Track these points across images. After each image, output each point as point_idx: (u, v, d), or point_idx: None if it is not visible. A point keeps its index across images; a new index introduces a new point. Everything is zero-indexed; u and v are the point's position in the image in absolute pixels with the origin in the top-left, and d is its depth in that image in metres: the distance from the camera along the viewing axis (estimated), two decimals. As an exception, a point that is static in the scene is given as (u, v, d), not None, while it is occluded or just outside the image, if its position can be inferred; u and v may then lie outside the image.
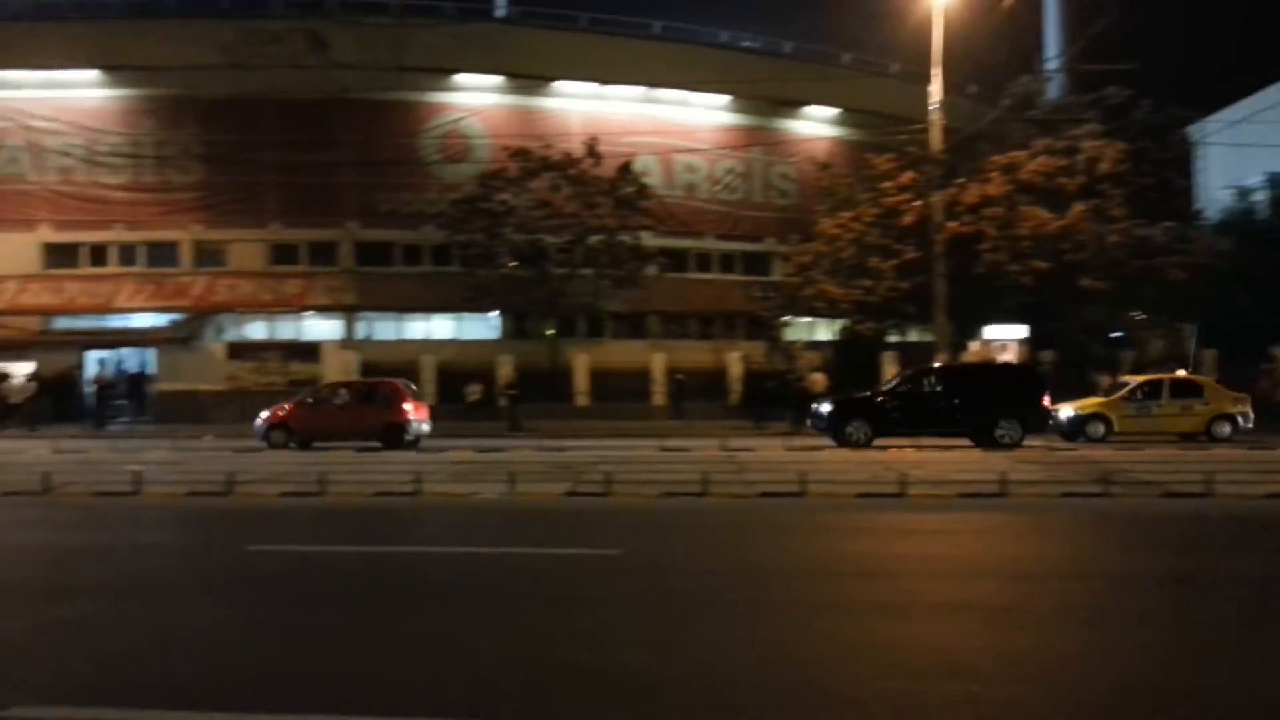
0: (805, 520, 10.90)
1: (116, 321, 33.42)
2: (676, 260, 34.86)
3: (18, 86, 32.65)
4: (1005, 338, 34.54)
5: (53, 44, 32.28)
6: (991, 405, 20.63)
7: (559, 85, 34.00)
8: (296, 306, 33.39)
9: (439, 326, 34.52)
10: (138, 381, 32.24)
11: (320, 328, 33.86)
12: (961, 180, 29.34)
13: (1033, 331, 33.58)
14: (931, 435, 21.08)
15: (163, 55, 32.08)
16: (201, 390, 32.45)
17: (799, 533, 10.20)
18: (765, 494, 12.59)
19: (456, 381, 30.87)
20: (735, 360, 32.21)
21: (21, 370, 31.11)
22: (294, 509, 12.00)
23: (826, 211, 32.62)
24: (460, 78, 33.48)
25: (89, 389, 31.12)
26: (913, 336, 33.80)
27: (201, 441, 24.30)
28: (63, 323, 33.54)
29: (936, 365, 24.11)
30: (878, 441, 20.51)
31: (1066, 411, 22.28)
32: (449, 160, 33.46)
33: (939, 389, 21.45)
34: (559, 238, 30.86)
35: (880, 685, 4.78)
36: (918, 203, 29.09)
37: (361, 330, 33.94)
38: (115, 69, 32.50)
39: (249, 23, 32.42)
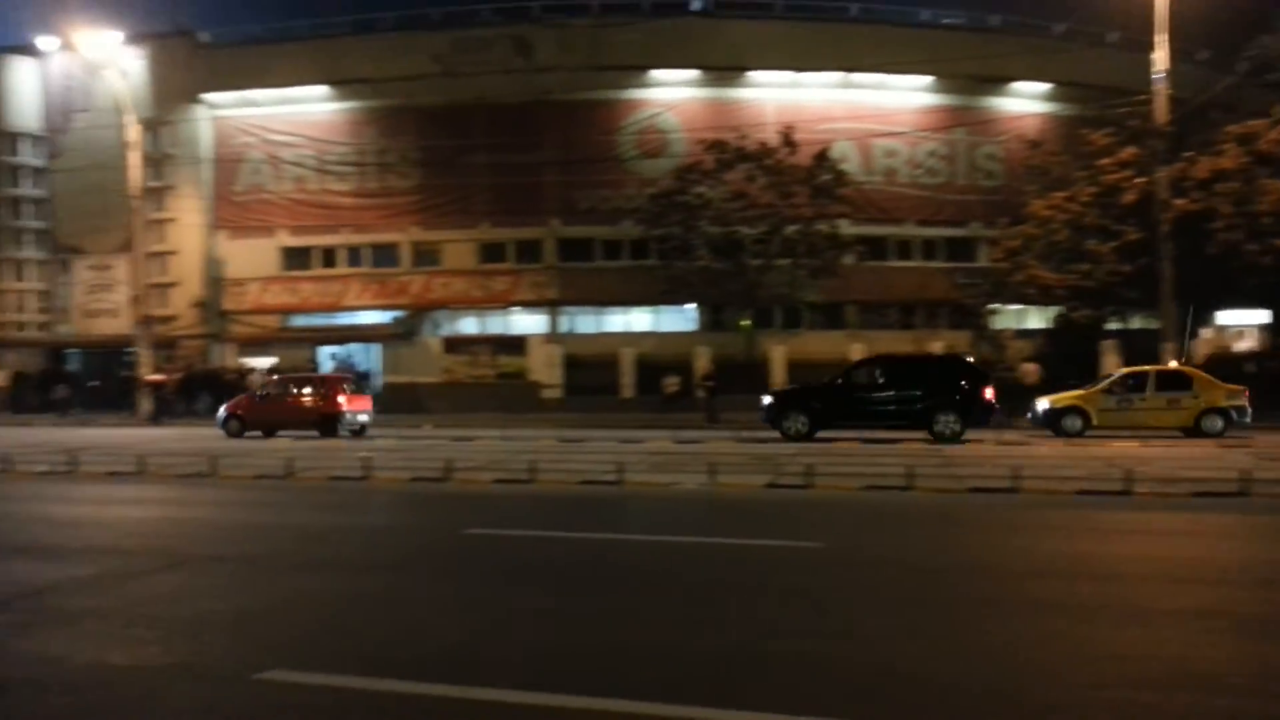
0: (1019, 517, 10.42)
1: (345, 319, 36.06)
2: (875, 248, 33.98)
3: (259, 105, 35.80)
4: (1242, 323, 31.59)
5: (288, 64, 35.21)
6: (931, 398, 20.19)
7: (754, 75, 33.86)
8: (504, 302, 34.95)
9: (638, 319, 35.21)
10: (361, 376, 34.65)
11: (526, 322, 35.31)
12: (1190, 154, 27.06)
13: (1275, 316, 30.54)
14: (872, 428, 20.80)
15: (383, 68, 34.34)
16: (420, 382, 34.62)
17: (1011, 529, 9.76)
18: (975, 489, 12.13)
19: (655, 373, 31.41)
20: (938, 350, 31.09)
21: (262, 364, 34.22)
22: (506, 495, 12.59)
23: (1038, 192, 30.91)
24: (657, 73, 33.96)
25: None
26: (1135, 324, 31.52)
27: (420, 430, 25.86)
28: (298, 320, 36.55)
29: (877, 357, 23.72)
30: (851, 433, 20.11)
31: (1042, 404, 21.64)
32: (646, 156, 34.03)
33: (880, 381, 21.09)
34: (755, 229, 30.78)
35: (1105, 695, 4.53)
36: (1140, 180, 27.07)
37: (564, 324, 35.10)
38: (341, 84, 35.03)
39: (460, 32, 34.18)
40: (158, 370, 32.57)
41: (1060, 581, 7.14)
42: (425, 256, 35.52)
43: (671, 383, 30.98)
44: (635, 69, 33.91)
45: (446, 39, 34.15)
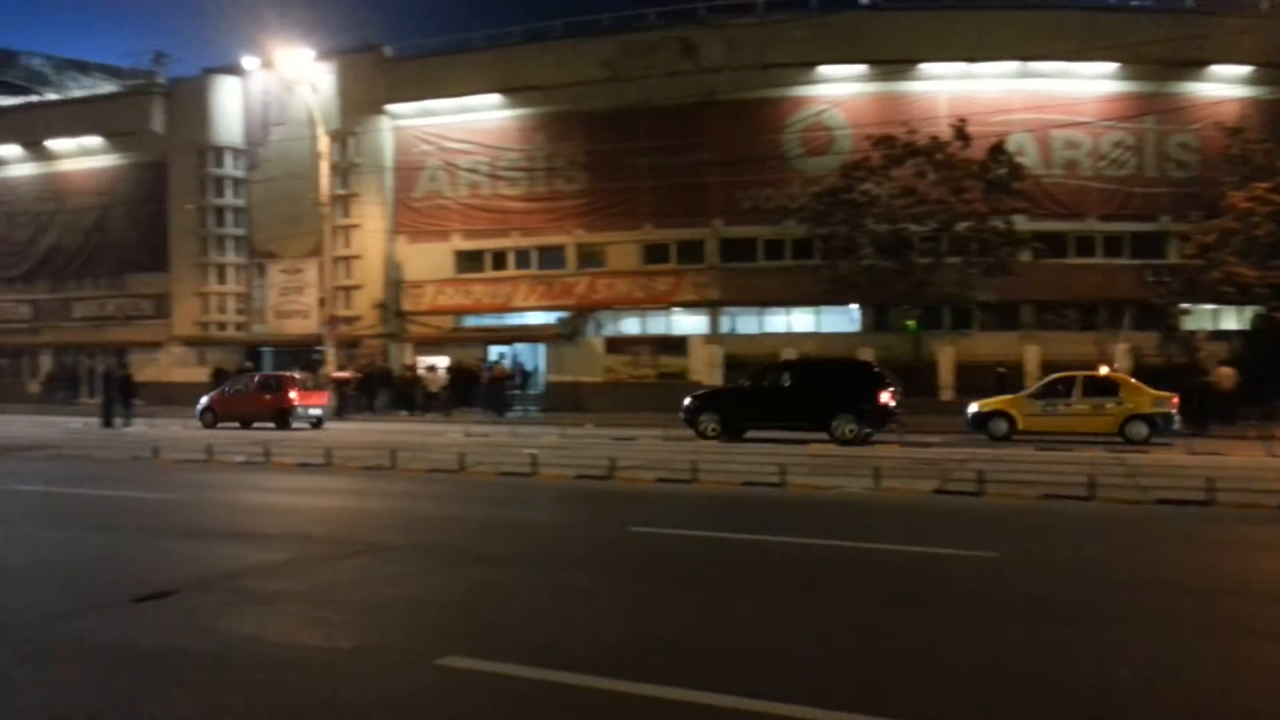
0: (1212, 532, 9.72)
1: (513, 319, 37.25)
2: (1054, 244, 32.22)
3: (437, 114, 37.44)
4: None
5: (465, 74, 36.65)
6: (830, 401, 20.59)
7: (924, 68, 32.77)
8: (666, 303, 35.22)
9: (800, 320, 34.74)
10: (526, 375, 35.74)
11: (687, 322, 35.47)
12: None
13: None
14: (779, 429, 21.24)
15: (553, 75, 35.25)
16: (583, 381, 35.36)
17: (1205, 545, 9.11)
18: (1163, 501, 11.41)
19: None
20: (1123, 353, 29.28)
21: (439, 363, 35.79)
22: (668, 494, 12.71)
23: (1237, 183, 28.62)
24: (823, 69, 33.38)
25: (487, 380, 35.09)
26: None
27: (583, 429, 26.43)
28: (470, 321, 38.01)
29: (785, 361, 25.02)
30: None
31: (972, 407, 22.15)
32: (811, 153, 33.53)
33: (787, 384, 21.81)
34: (924, 226, 29.82)
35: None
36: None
37: (725, 324, 35.06)
38: (514, 91, 36.15)
39: (627, 36, 34.66)
40: (341, 368, 34.60)
41: (1253, 601, 6.61)
42: (590, 258, 36.23)
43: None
44: (801, 66, 33.43)
45: (614, 44, 34.72)
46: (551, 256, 36.51)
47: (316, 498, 12.83)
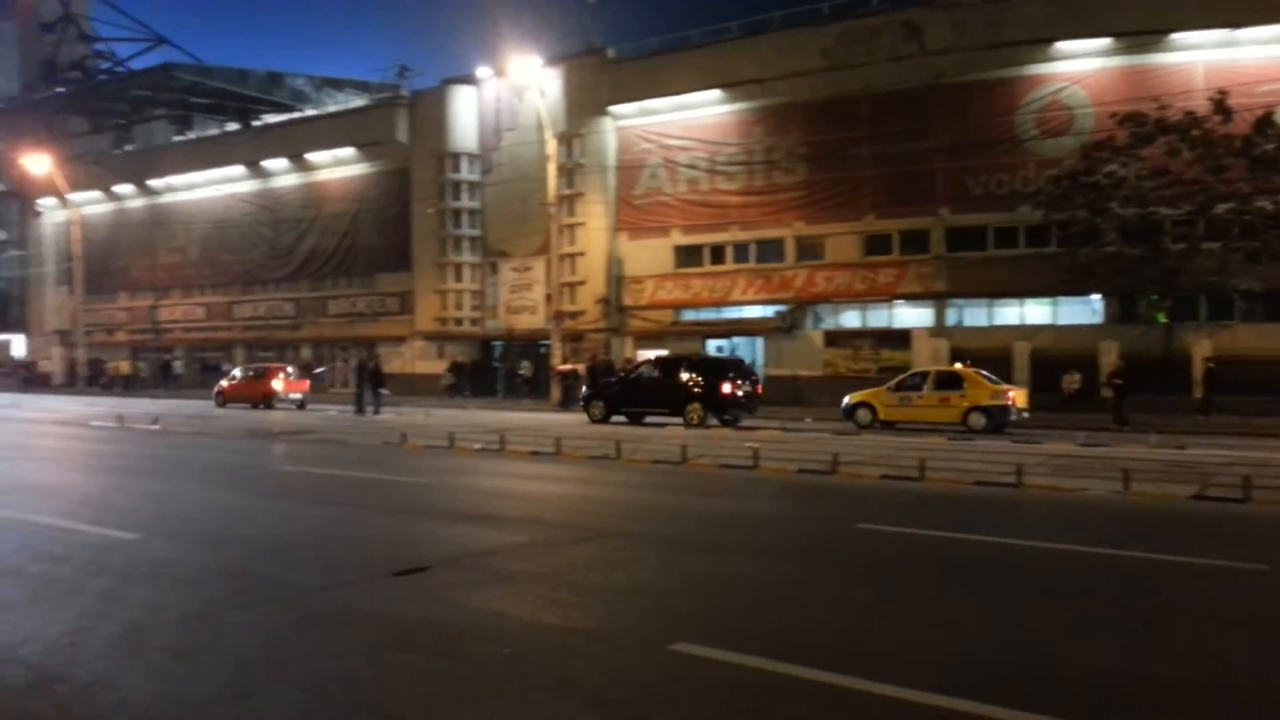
0: None
1: (731, 313, 37.37)
2: (1334, 226, 28.75)
3: (657, 113, 38.12)
4: None
5: (684, 72, 37.11)
6: (684, 391, 24.07)
7: (1178, 38, 30.00)
8: (888, 295, 34.21)
9: (1033, 312, 32.76)
10: (747, 368, 35.62)
11: (910, 315, 34.31)
12: None
13: None
14: (648, 414, 24.83)
15: (771, 67, 35.01)
16: (801, 375, 35.00)
17: None
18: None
19: (1053, 370, 29.21)
20: None
21: (655, 357, 36.41)
22: (894, 491, 12.38)
23: None
24: (1062, 45, 31.23)
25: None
26: None
27: (803, 423, 26.19)
28: (688, 315, 38.47)
29: (657, 357, 28.73)
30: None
31: (846, 398, 24.87)
32: (1047, 135, 31.49)
33: (655, 376, 25.36)
34: (1177, 209, 27.38)
35: None
36: None
37: (951, 317, 33.65)
38: (732, 86, 36.22)
39: (848, 23, 33.88)
40: (564, 361, 35.96)
41: None
42: (808, 251, 35.74)
43: (1072, 380, 28.63)
44: (1037, 43, 31.44)
45: (834, 32, 34.03)
46: (770, 250, 36.32)
47: (548, 485, 13.42)
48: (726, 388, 24.04)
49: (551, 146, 36.86)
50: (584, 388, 28.27)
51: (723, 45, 36.87)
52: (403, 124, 44.83)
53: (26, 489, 12.35)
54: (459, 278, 43.70)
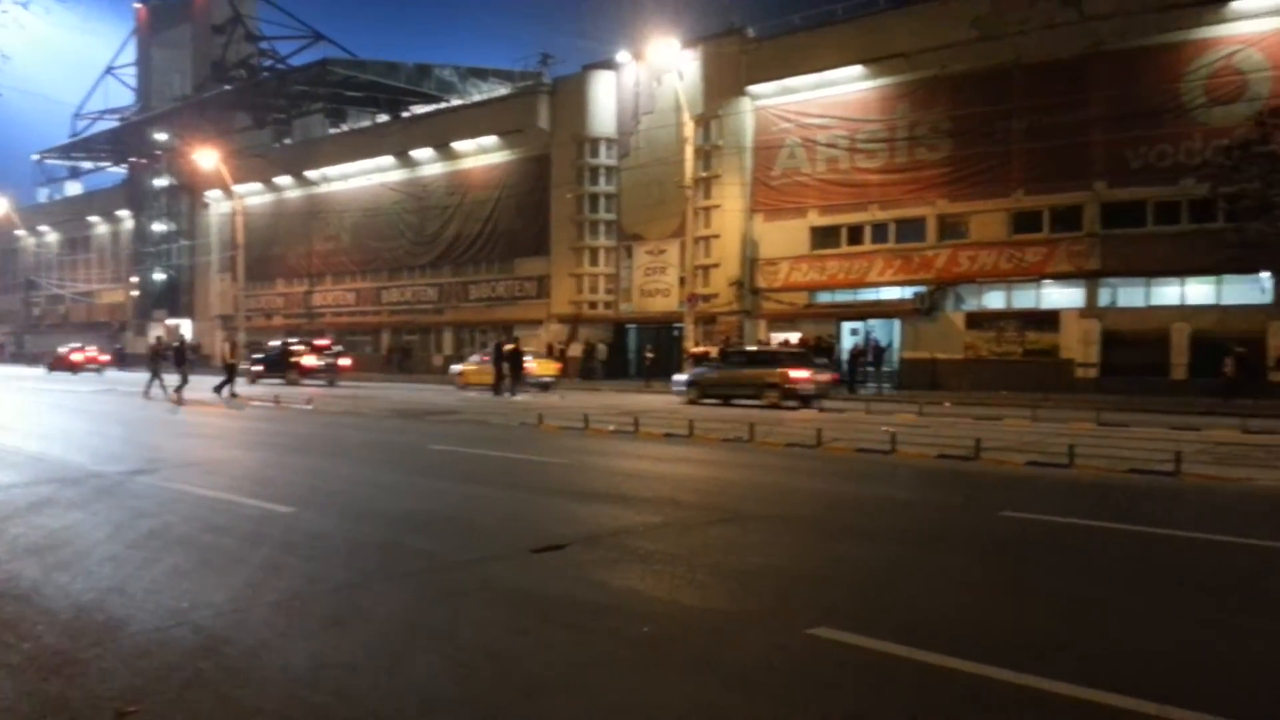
0: None
1: (868, 294, 36.54)
2: None
3: (796, 91, 37.53)
4: None
5: (825, 48, 36.42)
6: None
7: (1369, -10, 27.53)
8: (1035, 275, 32.76)
9: (1195, 291, 30.72)
10: (880, 351, 34.90)
11: (1059, 295, 32.77)
12: None
13: None
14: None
15: (918, 40, 33.92)
16: (940, 358, 33.97)
17: None
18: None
19: (1215, 352, 27.46)
20: None
21: (791, 339, 36.00)
22: (1040, 478, 11.90)
23: None
24: (1237, 5, 29.00)
25: (845, 357, 34.84)
26: None
27: (941, 407, 25.44)
28: (823, 297, 37.84)
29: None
30: None
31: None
32: (1217, 102, 29.39)
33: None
34: (1362, 179, 25.23)
35: None
36: None
37: (1104, 297, 31.96)
38: (875, 61, 35.27)
39: (1003, -8, 32.44)
40: (697, 344, 35.94)
41: None
42: (951, 229, 34.57)
43: (1230, 364, 26.81)
44: (1210, 3, 29.33)
45: (987, 1, 32.70)
46: (910, 229, 35.31)
47: (681, 466, 13.47)
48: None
49: (689, 129, 36.81)
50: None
51: (866, 19, 35.99)
52: (544, 111, 45.64)
53: (192, 464, 13.22)
54: (594, 261, 44.27)
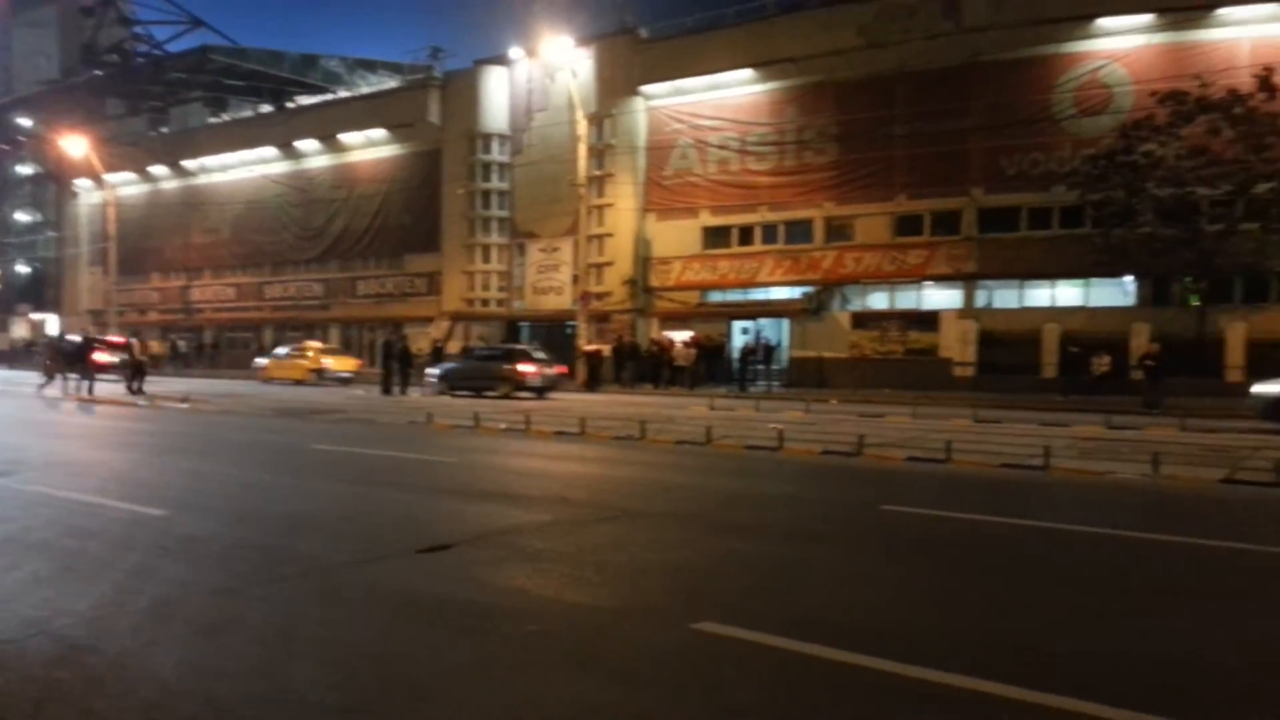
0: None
1: (758, 294, 37.18)
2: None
3: (688, 92, 37.89)
4: None
5: (717, 51, 36.86)
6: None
7: (1224, 13, 29.29)
8: (917, 276, 33.91)
9: (1065, 293, 32.32)
10: (769, 349, 35.58)
11: (938, 297, 34.01)
12: None
13: None
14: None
15: (806, 45, 34.67)
16: (826, 357, 34.83)
17: None
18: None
19: (1083, 352, 28.87)
20: None
21: (680, 337, 36.40)
22: (920, 473, 12.31)
23: None
24: (1103, 22, 30.60)
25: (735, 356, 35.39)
26: None
27: (828, 405, 26.08)
28: (714, 296, 38.34)
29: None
30: None
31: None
32: (1085, 113, 30.96)
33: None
34: (1215, 189, 26.89)
35: None
36: None
37: (980, 298, 33.30)
38: (765, 65, 35.89)
39: (885, 1, 33.40)
40: (590, 342, 35.99)
41: None
42: (837, 232, 35.46)
43: (1102, 363, 28.28)
44: (1078, 19, 30.82)
45: (872, 10, 33.53)
46: (798, 231, 36.09)
47: (572, 464, 13.45)
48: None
49: (582, 127, 36.77)
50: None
51: (757, 24, 36.58)
52: (434, 105, 44.91)
53: (57, 465, 12.56)
54: (487, 259, 43.84)
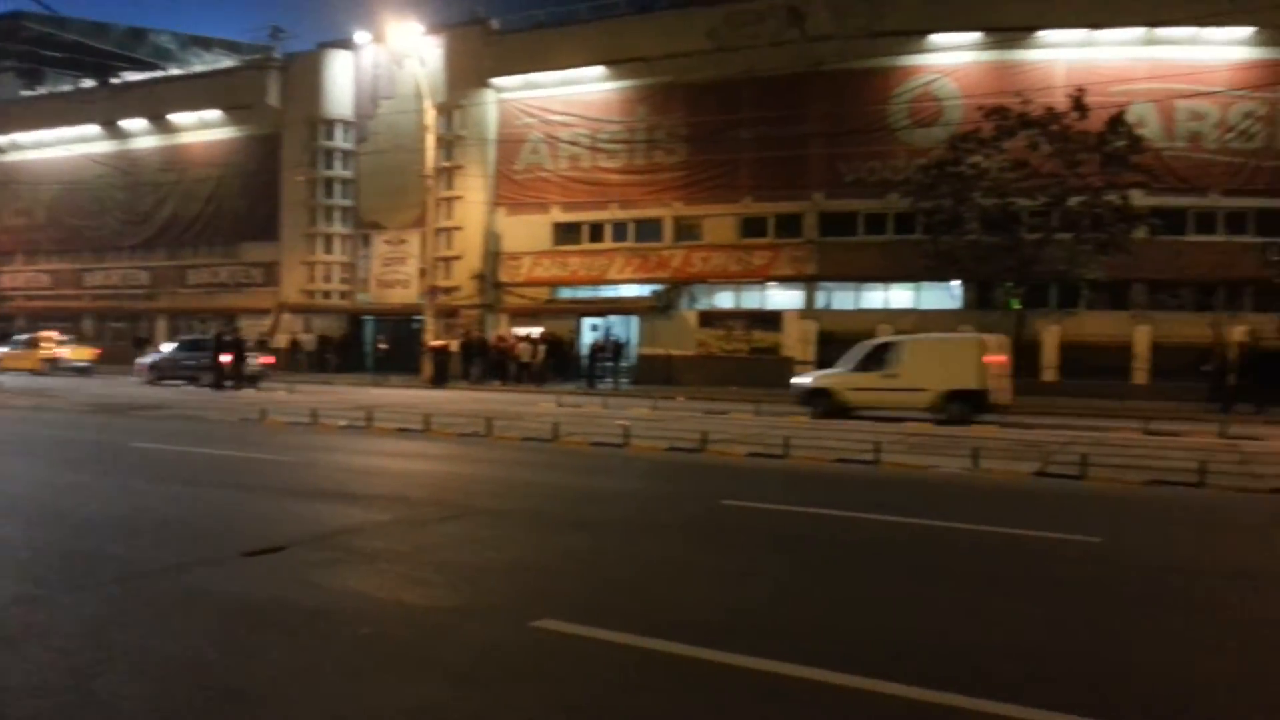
0: None
1: (608, 291, 37.40)
2: (1172, 221, 30.59)
3: (540, 87, 37.69)
4: None
5: (569, 47, 36.82)
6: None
7: (1043, 35, 31.38)
8: (762, 277, 34.87)
9: (898, 296, 33.95)
10: (618, 347, 35.82)
11: (782, 297, 35.08)
12: None
13: None
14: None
15: (657, 45, 35.07)
16: (674, 354, 35.38)
17: None
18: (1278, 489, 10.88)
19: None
20: (1240, 334, 27.92)
21: (532, 334, 36.22)
22: (759, 468, 12.66)
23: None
24: (936, 38, 32.28)
25: (584, 352, 35.45)
26: None
27: (674, 402, 26.49)
28: (565, 293, 38.32)
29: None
30: None
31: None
32: (919, 124, 32.58)
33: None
34: (1033, 200, 28.78)
35: None
36: None
37: (821, 300, 34.55)
38: (617, 63, 36.08)
39: (734, 6, 34.13)
40: (438, 337, 35.35)
41: None
42: (686, 231, 36.07)
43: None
44: (913, 34, 32.39)
45: (721, 14, 34.24)
46: (648, 229, 36.49)
47: (415, 462, 13.18)
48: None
49: (430, 117, 36.01)
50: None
51: (610, 22, 36.73)
52: (274, 87, 43.08)
53: None
54: (329, 249, 42.42)
